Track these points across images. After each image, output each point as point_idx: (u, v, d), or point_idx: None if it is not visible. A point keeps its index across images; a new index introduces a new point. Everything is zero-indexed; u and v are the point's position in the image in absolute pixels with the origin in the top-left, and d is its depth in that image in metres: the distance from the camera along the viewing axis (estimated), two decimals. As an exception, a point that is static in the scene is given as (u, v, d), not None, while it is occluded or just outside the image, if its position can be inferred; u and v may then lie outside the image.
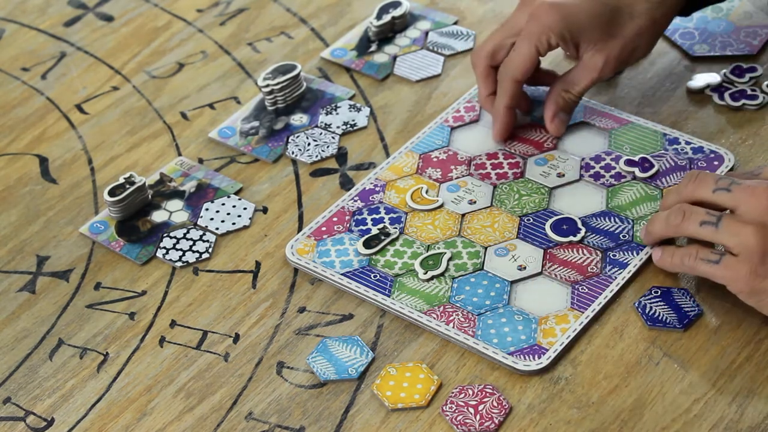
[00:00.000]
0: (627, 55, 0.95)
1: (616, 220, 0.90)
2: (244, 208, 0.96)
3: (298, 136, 1.02)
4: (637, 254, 0.87)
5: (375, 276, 0.88)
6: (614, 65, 0.95)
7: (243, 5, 1.20)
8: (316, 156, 1.00)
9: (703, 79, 1.02)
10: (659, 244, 0.86)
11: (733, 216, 0.80)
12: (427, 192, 0.94)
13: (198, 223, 0.95)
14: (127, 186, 0.95)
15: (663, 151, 0.96)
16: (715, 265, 0.80)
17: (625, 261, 0.87)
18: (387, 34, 1.12)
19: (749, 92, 1.00)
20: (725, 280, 0.80)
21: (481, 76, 0.98)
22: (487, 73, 0.98)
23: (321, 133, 1.02)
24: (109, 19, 1.20)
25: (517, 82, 0.95)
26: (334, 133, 1.02)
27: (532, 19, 0.93)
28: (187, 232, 0.94)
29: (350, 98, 1.06)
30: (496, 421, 0.78)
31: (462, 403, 0.79)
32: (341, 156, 1.00)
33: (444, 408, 0.79)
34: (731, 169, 0.94)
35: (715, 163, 0.94)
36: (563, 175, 0.95)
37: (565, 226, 0.90)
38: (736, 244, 0.79)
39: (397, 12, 1.12)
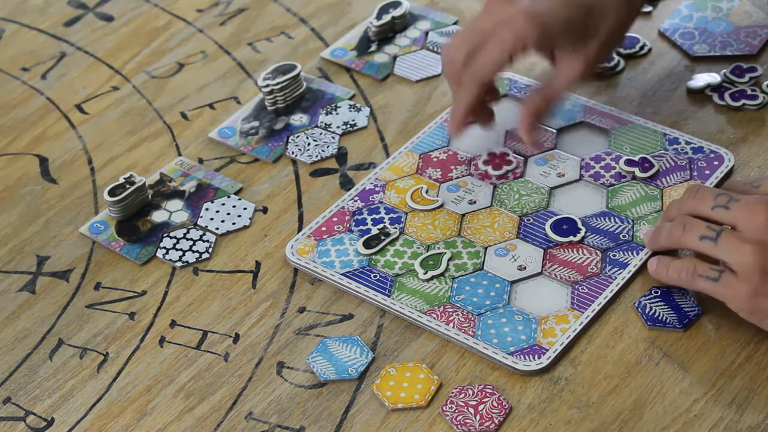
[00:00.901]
0: (605, 53, 0.94)
1: (616, 220, 0.90)
2: (244, 208, 0.96)
3: (298, 136, 1.02)
4: (637, 254, 0.87)
5: (375, 276, 0.88)
6: (594, 66, 0.93)
7: (243, 5, 1.20)
8: (316, 156, 1.00)
9: (703, 79, 1.02)
10: (660, 253, 0.86)
11: (733, 232, 0.79)
12: (427, 192, 0.94)
13: (198, 223, 0.95)
14: (127, 186, 0.95)
15: (663, 151, 0.96)
16: (715, 283, 0.80)
17: (625, 261, 0.87)
18: (387, 34, 1.12)
19: (749, 92, 1.00)
20: (725, 299, 0.80)
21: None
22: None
23: (321, 133, 1.02)
24: (109, 19, 1.20)
25: (484, 85, 0.91)
26: (334, 133, 1.02)
27: (506, 27, 0.89)
28: (187, 232, 0.94)
29: (350, 98, 1.06)
30: (496, 421, 0.78)
31: (462, 403, 0.79)
32: (341, 156, 1.00)
33: (444, 408, 0.79)
34: (731, 170, 0.94)
35: (715, 163, 0.94)
36: (563, 175, 0.95)
37: (565, 226, 0.90)
38: (735, 262, 0.78)
39: (397, 12, 1.12)
